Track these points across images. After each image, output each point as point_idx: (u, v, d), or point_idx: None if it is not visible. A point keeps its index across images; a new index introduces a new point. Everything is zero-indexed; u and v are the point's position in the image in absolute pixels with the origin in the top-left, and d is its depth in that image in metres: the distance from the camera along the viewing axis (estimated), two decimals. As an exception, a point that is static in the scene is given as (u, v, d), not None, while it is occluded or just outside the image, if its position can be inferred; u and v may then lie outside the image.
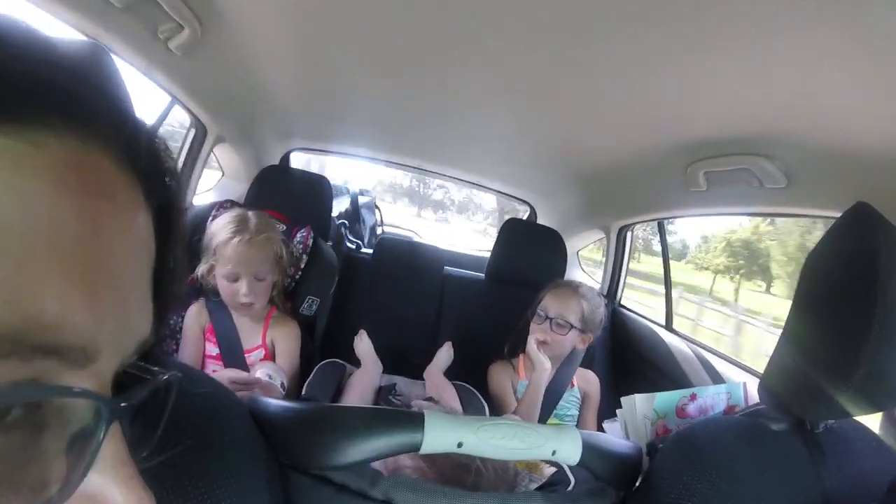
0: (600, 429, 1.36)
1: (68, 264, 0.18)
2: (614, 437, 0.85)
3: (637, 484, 0.63)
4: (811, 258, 0.59)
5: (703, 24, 0.65)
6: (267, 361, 1.20)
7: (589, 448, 0.58)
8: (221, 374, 1.11)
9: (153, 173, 0.24)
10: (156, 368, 0.26)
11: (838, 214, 0.83)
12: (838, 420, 0.62)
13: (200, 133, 1.43)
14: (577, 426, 1.37)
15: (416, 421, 0.53)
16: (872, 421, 0.74)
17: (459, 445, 0.54)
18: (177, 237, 0.27)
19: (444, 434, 0.53)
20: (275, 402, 0.58)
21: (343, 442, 0.52)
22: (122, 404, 0.22)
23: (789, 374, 0.59)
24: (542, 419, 1.36)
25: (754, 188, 0.96)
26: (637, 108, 0.97)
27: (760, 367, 1.20)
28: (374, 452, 0.53)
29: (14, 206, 0.17)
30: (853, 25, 0.56)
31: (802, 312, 0.59)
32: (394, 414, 0.55)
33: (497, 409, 1.33)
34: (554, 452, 0.57)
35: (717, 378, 1.24)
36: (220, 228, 1.13)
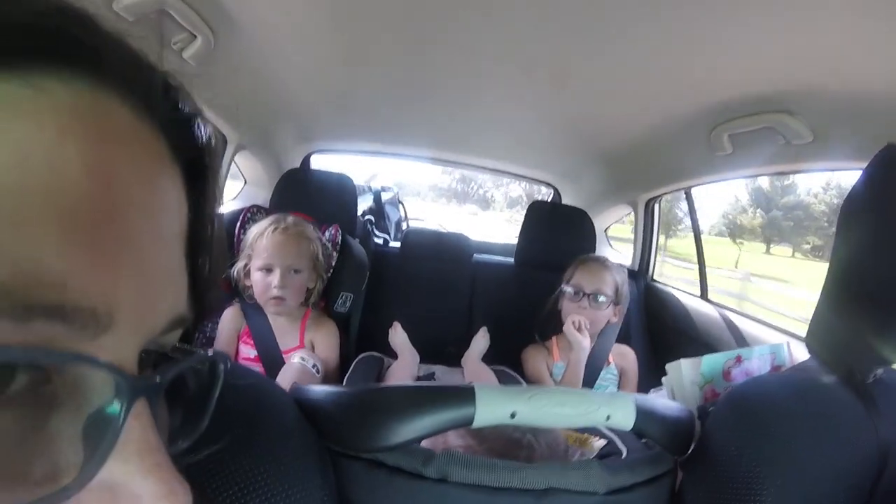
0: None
1: (73, 218, 0.16)
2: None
3: (692, 448, 0.62)
4: (846, 207, 0.58)
5: None
6: (301, 349, 1.22)
7: (643, 412, 0.57)
8: None
9: (176, 123, 0.22)
10: (199, 351, 0.24)
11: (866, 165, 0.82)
12: (887, 371, 0.61)
13: (220, 142, 1.45)
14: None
15: (466, 395, 0.53)
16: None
17: (513, 416, 0.53)
18: (212, 199, 0.25)
19: (496, 405, 0.53)
20: (319, 388, 0.58)
21: (393, 422, 0.52)
22: (148, 381, 0.19)
23: (834, 326, 0.59)
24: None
25: (780, 146, 0.94)
26: (657, 76, 0.96)
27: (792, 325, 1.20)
28: (426, 429, 0.52)
29: (9, 154, 0.15)
30: None
31: (842, 262, 0.58)
32: (443, 389, 0.55)
33: None
34: (608, 417, 0.56)
35: (756, 343, 1.22)
36: (258, 227, 1.16)
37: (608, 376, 1.42)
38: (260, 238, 1.13)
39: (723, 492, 0.54)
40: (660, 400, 0.64)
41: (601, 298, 1.32)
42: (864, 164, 0.81)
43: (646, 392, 1.39)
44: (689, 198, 1.56)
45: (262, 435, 0.45)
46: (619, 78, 1.01)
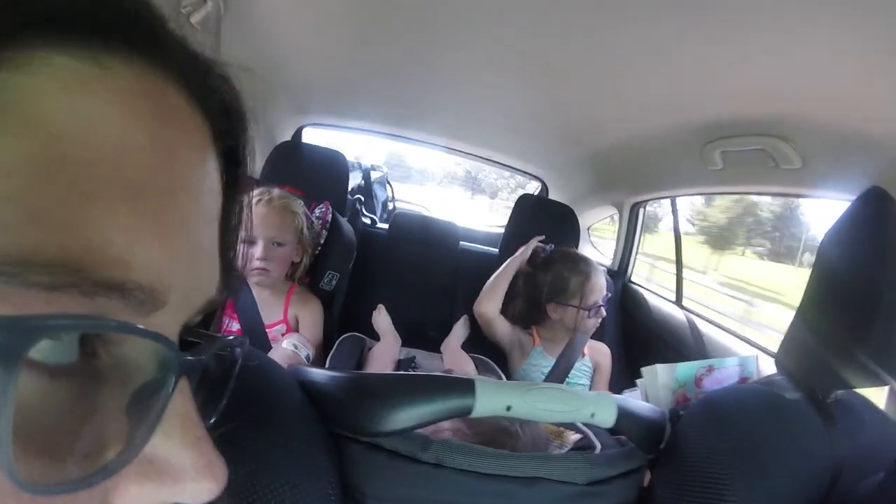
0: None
1: (139, 196, 0.16)
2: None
3: (662, 447, 0.67)
4: (827, 238, 0.63)
5: (723, 7, 0.66)
6: (293, 333, 1.23)
7: (623, 412, 0.62)
8: None
9: (222, 115, 0.23)
10: (218, 334, 0.24)
11: (852, 197, 0.87)
12: (848, 393, 0.66)
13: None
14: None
15: (467, 386, 0.56)
16: (878, 396, 0.79)
17: (508, 409, 0.57)
18: (242, 190, 0.26)
19: (494, 398, 0.56)
20: (322, 372, 0.60)
21: (395, 408, 0.54)
22: (194, 358, 0.20)
23: (803, 347, 0.63)
24: (554, 386, 1.41)
25: (770, 168, 0.98)
26: (654, 88, 0.99)
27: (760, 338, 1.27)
28: (427, 417, 0.55)
29: (81, 131, 0.15)
30: (873, 13, 0.57)
31: (817, 289, 0.63)
32: (445, 380, 0.59)
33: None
34: (592, 415, 0.60)
35: (725, 352, 1.29)
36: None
37: (583, 368, 1.48)
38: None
39: (691, 489, 0.59)
40: (637, 402, 0.68)
41: (603, 306, 1.45)
42: (850, 197, 0.87)
43: (617, 389, 1.47)
44: (673, 205, 1.61)
45: (270, 416, 0.47)
46: (617, 85, 1.04)
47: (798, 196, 1.03)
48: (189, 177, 0.19)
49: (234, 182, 0.25)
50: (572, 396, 0.59)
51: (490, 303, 1.46)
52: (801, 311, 0.65)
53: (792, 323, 0.66)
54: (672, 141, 1.18)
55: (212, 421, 0.24)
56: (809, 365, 0.63)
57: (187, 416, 0.19)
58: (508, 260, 1.52)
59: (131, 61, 0.17)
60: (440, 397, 0.56)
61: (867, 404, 0.69)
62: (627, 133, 1.29)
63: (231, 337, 0.24)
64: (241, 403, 0.37)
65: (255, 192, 1.18)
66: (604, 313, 1.46)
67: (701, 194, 1.36)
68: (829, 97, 0.77)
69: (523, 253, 1.52)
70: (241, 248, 1.00)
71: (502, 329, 1.47)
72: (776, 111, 0.87)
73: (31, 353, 0.14)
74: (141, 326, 0.17)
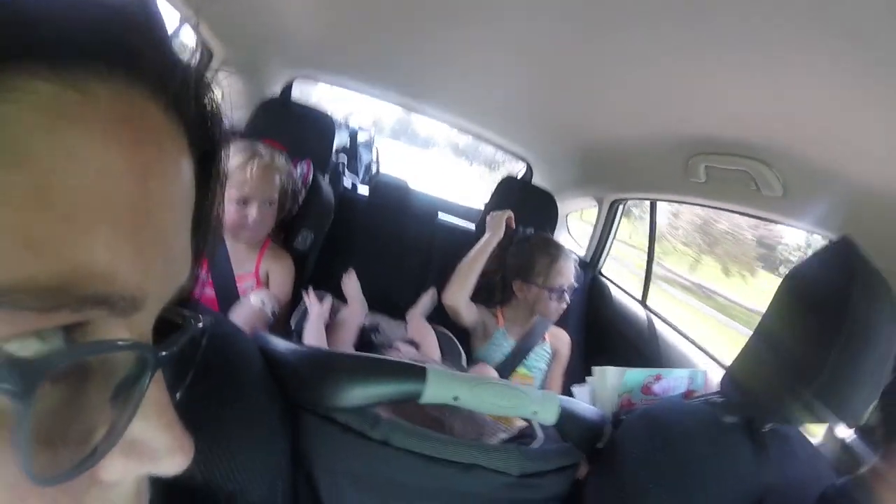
0: (566, 388, 1.48)
1: (118, 216, 0.18)
2: (582, 400, 0.93)
3: (600, 446, 0.70)
4: (793, 274, 0.65)
5: (720, 32, 0.67)
6: (262, 288, 1.24)
7: (565, 413, 0.65)
8: None
9: (199, 120, 0.24)
10: (188, 313, 0.26)
11: (829, 233, 0.89)
12: (783, 426, 0.69)
13: (206, 57, 1.39)
14: (544, 380, 1.49)
15: (418, 373, 0.59)
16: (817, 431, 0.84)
17: (455, 399, 0.59)
18: (217, 185, 0.27)
19: (443, 387, 0.59)
20: (284, 344, 0.62)
21: (350, 386, 0.57)
22: (165, 353, 0.22)
23: (749, 376, 0.66)
24: (511, 369, 1.46)
25: (752, 191, 1.00)
26: (647, 95, 0.99)
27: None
28: (378, 398, 0.58)
29: (62, 158, 0.16)
30: (862, 51, 0.58)
31: (771, 324, 0.65)
32: (399, 365, 0.61)
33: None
34: (535, 413, 0.64)
35: (681, 356, 1.33)
36: (230, 155, 1.13)
37: (542, 353, 1.52)
38: (239, 171, 1.12)
39: (621, 493, 0.62)
40: (579, 403, 0.71)
41: (569, 292, 1.48)
42: (828, 232, 0.89)
43: (574, 377, 1.52)
44: (652, 208, 1.63)
45: (231, 386, 0.48)
46: (609, 86, 1.03)
47: (777, 223, 1.05)
48: (163, 192, 0.20)
49: (209, 181, 0.26)
50: (517, 394, 0.62)
51: (460, 294, 1.44)
52: (754, 341, 0.67)
53: (744, 349, 0.69)
54: (659, 148, 1.19)
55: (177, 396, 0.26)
56: (752, 394, 0.66)
57: (161, 402, 0.22)
58: (481, 243, 1.50)
59: (110, 78, 0.18)
60: (393, 380, 0.59)
61: (800, 438, 0.72)
62: (616, 132, 1.29)
63: (200, 325, 0.26)
64: (204, 373, 0.39)
65: (241, 149, 1.16)
66: (567, 300, 1.48)
67: (682, 202, 1.38)
68: (813, 130, 0.78)
69: (495, 234, 1.51)
70: (230, 207, 1.00)
71: (469, 317, 1.48)
72: (762, 136, 0.88)
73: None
74: (123, 342, 0.20)
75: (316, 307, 1.30)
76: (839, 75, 0.63)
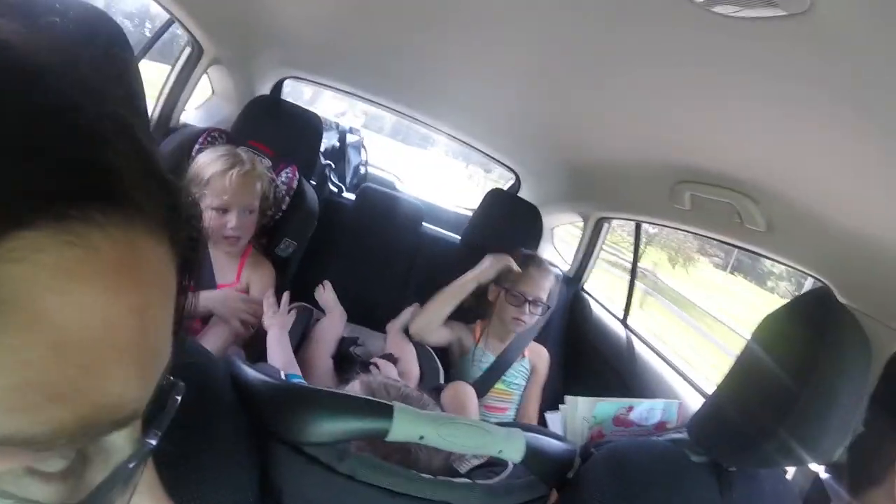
0: (543, 406, 1.48)
1: (123, 353, 0.20)
2: (554, 428, 0.93)
3: (568, 479, 0.71)
4: (767, 321, 0.65)
5: (712, 66, 0.66)
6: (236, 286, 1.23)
7: (531, 450, 0.65)
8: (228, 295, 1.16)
9: (183, 233, 0.25)
10: (168, 382, 0.27)
11: (809, 271, 0.89)
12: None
13: (196, 53, 1.38)
14: (521, 396, 1.49)
15: (386, 412, 0.59)
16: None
17: (421, 438, 0.59)
18: (195, 273, 0.28)
19: (409, 427, 0.59)
20: (254, 374, 0.62)
21: (318, 421, 0.57)
22: (154, 441, 0.24)
23: (718, 417, 0.66)
24: (489, 385, 1.45)
25: (735, 223, 1.00)
26: (635, 117, 0.99)
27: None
28: (345, 435, 0.58)
29: (73, 315, 0.18)
30: (853, 110, 0.58)
31: (744, 368, 0.65)
32: (366, 403, 0.60)
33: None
34: (500, 451, 0.64)
35: (659, 380, 1.33)
36: (211, 161, 1.12)
37: (520, 369, 1.52)
38: (219, 178, 1.10)
39: None
40: (545, 439, 0.71)
41: (539, 304, 1.43)
42: (810, 271, 0.89)
43: (552, 394, 1.51)
44: (637, 228, 1.64)
45: (202, 417, 0.49)
46: (600, 107, 1.03)
47: (760, 256, 1.05)
48: (158, 318, 0.22)
49: (190, 268, 0.27)
50: (483, 434, 0.62)
51: (427, 327, 1.43)
52: (725, 384, 0.67)
53: (713, 392, 0.69)
54: (645, 172, 1.19)
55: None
56: (720, 436, 0.66)
57: (152, 481, 0.26)
58: (464, 278, 1.45)
59: (107, 225, 0.19)
60: (360, 419, 0.59)
61: (771, 476, 0.73)
62: (604, 153, 1.29)
63: (179, 392, 0.28)
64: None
65: (224, 157, 1.14)
66: (529, 312, 1.42)
67: (666, 227, 1.38)
68: (798, 171, 0.78)
69: (483, 274, 1.44)
70: (209, 214, 1.00)
71: (438, 341, 1.47)
72: (748, 171, 0.88)
73: (43, 467, 0.20)
74: (133, 464, 0.22)
75: (277, 318, 1.19)
76: (828, 119, 0.63)
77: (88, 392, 0.18)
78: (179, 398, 0.28)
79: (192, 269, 0.27)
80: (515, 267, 1.43)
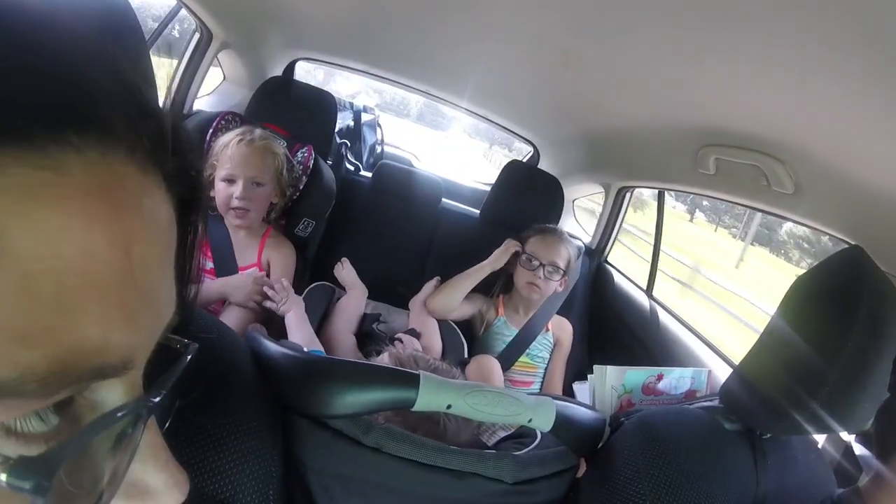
0: (568, 378, 1.48)
1: (105, 289, 0.18)
2: (582, 399, 0.92)
3: (598, 448, 0.70)
4: (800, 284, 0.63)
5: (738, 21, 0.63)
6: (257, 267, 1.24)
7: (561, 418, 0.63)
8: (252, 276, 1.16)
9: (177, 167, 0.23)
10: (179, 342, 0.27)
11: (840, 234, 0.86)
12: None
13: (205, 38, 1.37)
14: (545, 369, 1.49)
15: (412, 381, 0.57)
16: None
17: (448, 407, 0.58)
18: (197, 220, 0.27)
19: (436, 396, 0.58)
20: (276, 348, 0.61)
21: (342, 394, 0.56)
22: (156, 400, 0.22)
23: (751, 384, 0.65)
24: (514, 359, 1.46)
25: (762, 186, 0.97)
26: (658, 83, 0.96)
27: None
28: (370, 406, 0.57)
29: (43, 245, 0.16)
30: (887, 65, 0.55)
31: (775, 333, 0.63)
32: (392, 372, 0.60)
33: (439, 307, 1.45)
34: (530, 420, 0.62)
35: (685, 350, 1.32)
36: (225, 138, 1.13)
37: (544, 342, 1.51)
38: (225, 149, 1.12)
39: (617, 501, 0.62)
40: (576, 407, 0.70)
41: (554, 270, 1.42)
42: (838, 233, 0.86)
43: (576, 366, 1.51)
44: (660, 197, 1.60)
45: (222, 393, 0.48)
46: (621, 72, 1.00)
47: (787, 220, 1.02)
48: (147, 255, 0.20)
49: (190, 213, 0.26)
50: (512, 401, 0.61)
51: (443, 309, 1.43)
52: (755, 351, 0.65)
53: (747, 358, 0.67)
54: (668, 136, 1.15)
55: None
56: (753, 402, 0.64)
57: (154, 443, 0.23)
58: (478, 267, 1.47)
59: (82, 148, 0.17)
60: (385, 389, 0.58)
61: (803, 442, 0.71)
62: (625, 120, 1.26)
63: (187, 352, 0.27)
64: (195, 379, 0.38)
65: (237, 131, 1.15)
66: (546, 277, 1.42)
67: (689, 193, 1.35)
68: (829, 130, 0.75)
69: (496, 262, 1.47)
70: (220, 186, 1.01)
71: (461, 314, 1.48)
72: (776, 132, 0.85)
73: (21, 426, 0.18)
74: (122, 413, 0.20)
75: (292, 303, 1.18)
76: (861, 75, 0.60)
77: (61, 332, 0.16)
78: (189, 358, 0.27)
79: (194, 212, 0.26)
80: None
